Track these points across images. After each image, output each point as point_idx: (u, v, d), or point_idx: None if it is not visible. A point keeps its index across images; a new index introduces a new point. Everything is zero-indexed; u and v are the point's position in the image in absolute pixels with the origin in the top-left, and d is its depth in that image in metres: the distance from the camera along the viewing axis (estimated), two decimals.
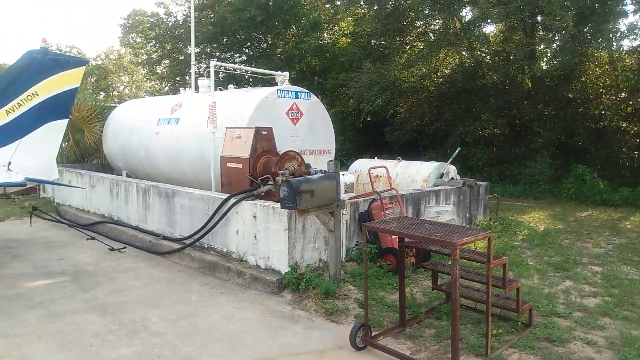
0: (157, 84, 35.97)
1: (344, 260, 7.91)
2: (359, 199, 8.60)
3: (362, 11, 23.61)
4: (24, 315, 6.27)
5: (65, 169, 13.94)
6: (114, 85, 41.19)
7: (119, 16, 49.49)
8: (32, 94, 8.06)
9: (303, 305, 6.60)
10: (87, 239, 10.08)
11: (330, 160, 7.05)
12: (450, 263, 6.56)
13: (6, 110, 7.87)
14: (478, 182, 11.78)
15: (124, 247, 9.61)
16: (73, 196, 13.34)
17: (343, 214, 7.56)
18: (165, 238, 9.49)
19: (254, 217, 7.82)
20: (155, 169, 12.97)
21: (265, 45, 27.17)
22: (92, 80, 38.93)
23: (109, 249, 9.50)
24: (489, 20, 17.88)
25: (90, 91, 35.22)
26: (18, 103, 7.95)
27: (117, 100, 34.49)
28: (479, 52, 20.45)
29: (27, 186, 9.56)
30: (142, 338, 5.60)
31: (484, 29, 19.08)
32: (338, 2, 24.91)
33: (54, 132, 8.47)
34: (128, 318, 6.18)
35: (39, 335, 5.65)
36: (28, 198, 15.08)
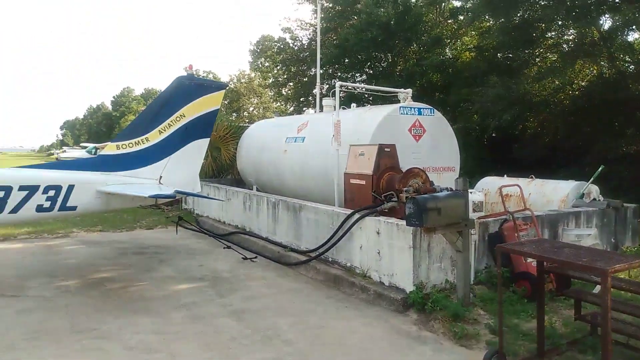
0: (282, 105, 38.02)
1: (472, 282, 7.58)
2: (489, 219, 8.21)
3: (488, 24, 22.75)
4: (171, 315, 6.95)
5: (204, 183, 15.28)
6: (244, 106, 44.33)
7: (249, 41, 53.42)
8: (180, 115, 9.02)
9: (430, 327, 6.44)
10: (224, 248, 10.90)
11: (458, 178, 6.85)
12: (596, 292, 5.98)
13: (159, 130, 8.89)
14: (625, 204, 10.58)
15: (255, 257, 10.22)
16: (211, 208, 14.56)
17: (471, 234, 7.26)
18: (292, 250, 9.91)
19: (378, 233, 7.85)
20: (282, 184, 13.67)
21: (385, 63, 27.39)
22: (225, 102, 42.42)
23: (242, 258, 10.18)
24: (633, 27, 16.12)
25: (224, 112, 38.34)
26: (168, 124, 8.95)
27: (247, 121, 37.05)
28: (621, 62, 18.50)
29: (175, 198, 10.64)
30: (274, 345, 5.89)
31: (628, 37, 17.25)
32: (461, 17, 24.31)
33: (197, 150, 9.37)
34: (261, 324, 6.54)
35: (184, 335, 6.21)
36: (172, 209, 16.74)
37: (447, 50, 25.98)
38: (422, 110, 11.17)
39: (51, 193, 7.64)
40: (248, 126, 18.14)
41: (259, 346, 5.87)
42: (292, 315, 6.94)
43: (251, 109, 47.40)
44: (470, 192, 8.29)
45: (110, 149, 8.74)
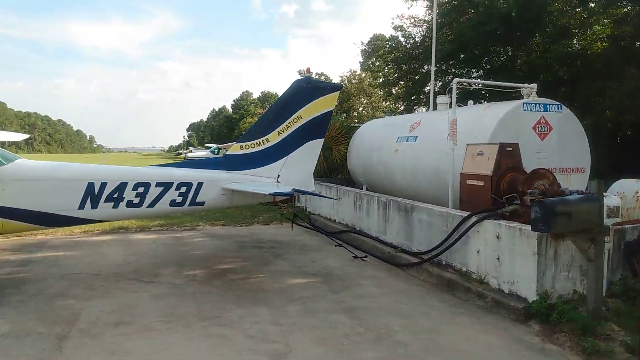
0: (392, 104, 37.66)
1: (604, 294, 6.88)
2: (626, 226, 7.40)
3: (624, 11, 20.49)
4: (287, 308, 7.23)
5: (316, 182, 15.68)
6: (354, 106, 44.72)
7: (360, 41, 53.68)
8: (298, 117, 9.37)
9: (554, 339, 5.98)
10: (335, 246, 11.11)
11: (592, 180, 6.26)
12: None
13: (278, 132, 9.33)
14: None
15: (366, 256, 10.26)
16: (322, 206, 14.92)
17: (605, 242, 6.60)
18: (403, 251, 9.79)
19: (498, 237, 7.45)
20: (392, 183, 13.56)
21: (504, 57, 25.89)
22: (336, 103, 43.03)
23: (353, 256, 10.29)
24: None
25: (334, 113, 38.94)
26: (287, 125, 9.34)
27: (357, 121, 37.29)
28: None
29: (292, 196, 11.04)
30: (387, 345, 5.87)
31: None
32: (592, 5, 22.16)
33: (312, 150, 9.66)
34: (373, 323, 6.55)
35: (299, 328, 6.43)
36: (287, 207, 17.42)
37: (574, 41, 23.86)
38: (548, 106, 10.39)
39: (183, 189, 8.38)
40: (359, 126, 18.26)
41: (372, 345, 5.88)
42: (404, 316, 6.86)
43: (360, 108, 47.63)
44: (605, 196, 7.53)
45: (234, 149, 9.35)
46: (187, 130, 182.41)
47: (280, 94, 10.63)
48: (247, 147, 9.22)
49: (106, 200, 7.88)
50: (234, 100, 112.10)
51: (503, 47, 25.44)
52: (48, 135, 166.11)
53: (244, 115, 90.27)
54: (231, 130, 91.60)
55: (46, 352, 5.58)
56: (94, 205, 7.81)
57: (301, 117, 9.35)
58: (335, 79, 49.32)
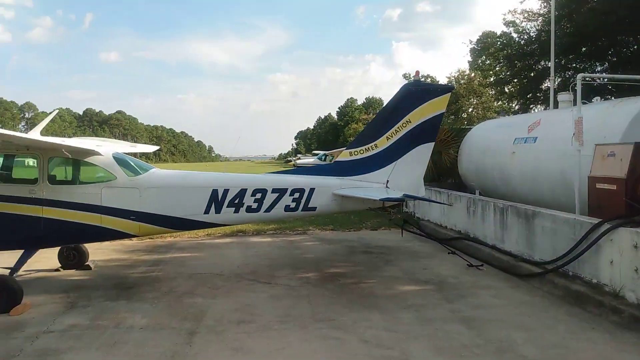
0: (505, 103, 35.68)
1: None
2: None
3: None
4: (400, 314, 7.16)
5: (426, 187, 15.34)
6: (463, 108, 43.13)
7: (469, 40, 51.63)
8: (406, 121, 9.25)
9: None
10: (448, 253, 10.78)
11: None
12: None
13: (386, 137, 9.28)
14: None
15: (482, 265, 9.82)
16: (432, 212, 14.56)
17: None
18: (524, 260, 9.20)
19: (635, 247, 6.71)
20: (509, 188, 12.83)
21: (634, 48, 23.30)
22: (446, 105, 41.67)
23: (467, 264, 9.90)
24: None
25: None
26: (395, 130, 9.26)
27: (466, 123, 35.90)
28: None
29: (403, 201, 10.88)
30: (509, 358, 5.55)
31: None
32: None
33: (422, 154, 9.46)
34: (493, 335, 6.24)
35: (415, 335, 6.32)
36: (396, 212, 17.28)
37: None
38: None
39: (296, 195, 8.69)
40: (469, 128, 17.56)
41: (493, 357, 5.60)
42: (528, 329, 6.44)
43: (470, 110, 45.75)
44: None
45: (344, 155, 9.49)
46: (295, 138, 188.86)
47: (384, 99, 10.65)
48: (356, 153, 9.30)
49: (228, 206, 8.43)
50: (339, 108, 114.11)
51: (633, 37, 22.92)
52: (173, 146, 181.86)
53: (348, 121, 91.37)
54: (336, 137, 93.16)
55: (179, 345, 6.10)
56: (218, 210, 8.39)
57: (410, 122, 9.22)
58: (442, 81, 47.96)
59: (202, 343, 6.16)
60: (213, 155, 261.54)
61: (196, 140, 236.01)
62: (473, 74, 42.09)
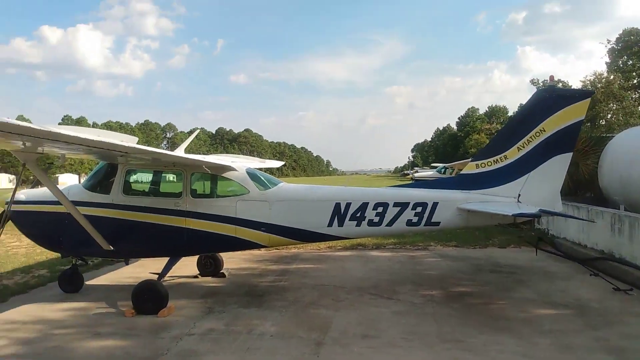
0: None
1: None
2: None
3: None
4: (536, 340, 6.62)
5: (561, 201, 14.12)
6: (601, 114, 39.18)
7: (606, 40, 46.85)
8: (540, 130, 8.60)
9: None
10: (590, 275, 9.77)
11: None
12: None
13: (517, 147, 8.71)
14: None
15: (631, 289, 8.74)
16: (568, 229, 13.32)
17: None
18: None
19: None
20: None
21: None
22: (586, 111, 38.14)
23: (613, 288, 8.88)
24: None
25: None
26: (527, 140, 8.66)
27: (604, 130, 32.51)
28: None
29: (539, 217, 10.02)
30: None
31: None
32: None
33: (558, 166, 8.71)
34: None
35: None
36: (527, 229, 16.08)
37: None
38: None
39: (419, 209, 8.51)
40: (610, 137, 15.79)
41: None
42: None
43: (609, 116, 41.33)
44: None
45: (469, 168, 9.10)
46: (412, 150, 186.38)
47: (508, 107, 9.96)
48: (483, 165, 8.86)
49: (350, 219, 8.53)
50: (458, 118, 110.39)
51: None
52: (294, 161, 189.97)
53: (469, 132, 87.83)
54: (456, 149, 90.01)
55: (306, 355, 6.27)
56: (340, 224, 8.54)
57: (544, 130, 8.56)
58: (576, 85, 44.03)
59: (328, 354, 6.27)
60: (330, 169, 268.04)
61: (315, 155, 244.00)
62: (612, 76, 38.02)
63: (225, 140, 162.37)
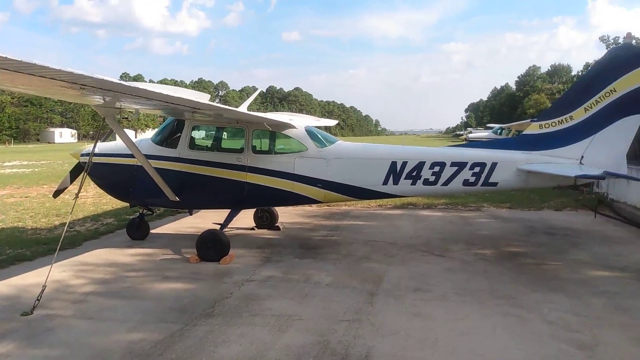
0: None
1: None
2: None
3: None
4: (590, 300, 6.63)
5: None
6: None
7: None
8: (611, 90, 8.24)
9: None
10: None
11: None
12: None
13: (584, 108, 8.41)
14: None
15: None
16: (630, 193, 12.84)
17: None
18: None
19: None
20: None
21: None
22: None
23: None
24: None
25: None
26: (596, 100, 8.33)
27: None
28: None
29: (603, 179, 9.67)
30: None
31: None
32: None
33: (627, 128, 8.35)
34: None
35: (607, 323, 5.83)
36: (587, 192, 15.58)
37: None
38: None
39: (476, 169, 8.49)
40: None
41: None
42: None
43: None
44: None
45: (532, 128, 8.91)
46: (466, 111, 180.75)
47: (573, 66, 9.53)
48: (547, 125, 8.65)
49: (406, 178, 8.64)
50: (518, 77, 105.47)
51: None
52: (342, 120, 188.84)
53: (529, 92, 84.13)
54: (513, 109, 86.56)
55: (361, 303, 6.59)
56: (396, 182, 8.67)
57: (615, 90, 8.20)
58: None
59: (382, 304, 6.56)
60: (379, 129, 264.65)
61: (364, 115, 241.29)
62: None
63: (275, 99, 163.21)
